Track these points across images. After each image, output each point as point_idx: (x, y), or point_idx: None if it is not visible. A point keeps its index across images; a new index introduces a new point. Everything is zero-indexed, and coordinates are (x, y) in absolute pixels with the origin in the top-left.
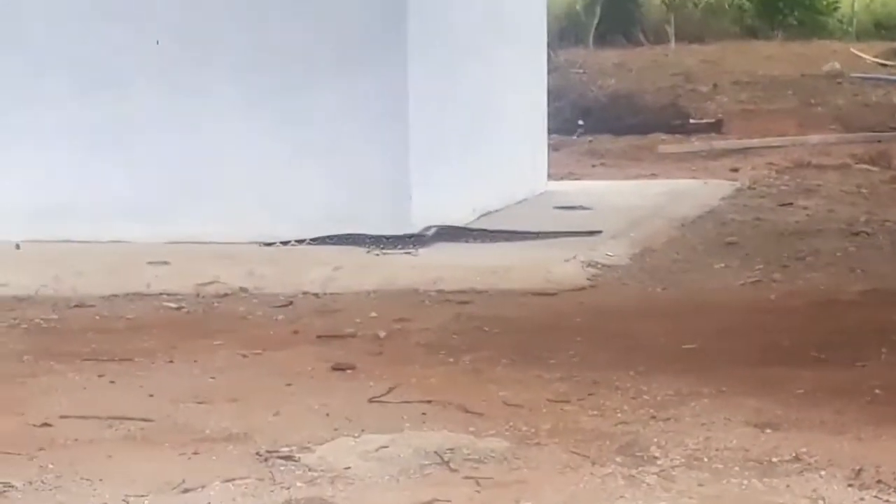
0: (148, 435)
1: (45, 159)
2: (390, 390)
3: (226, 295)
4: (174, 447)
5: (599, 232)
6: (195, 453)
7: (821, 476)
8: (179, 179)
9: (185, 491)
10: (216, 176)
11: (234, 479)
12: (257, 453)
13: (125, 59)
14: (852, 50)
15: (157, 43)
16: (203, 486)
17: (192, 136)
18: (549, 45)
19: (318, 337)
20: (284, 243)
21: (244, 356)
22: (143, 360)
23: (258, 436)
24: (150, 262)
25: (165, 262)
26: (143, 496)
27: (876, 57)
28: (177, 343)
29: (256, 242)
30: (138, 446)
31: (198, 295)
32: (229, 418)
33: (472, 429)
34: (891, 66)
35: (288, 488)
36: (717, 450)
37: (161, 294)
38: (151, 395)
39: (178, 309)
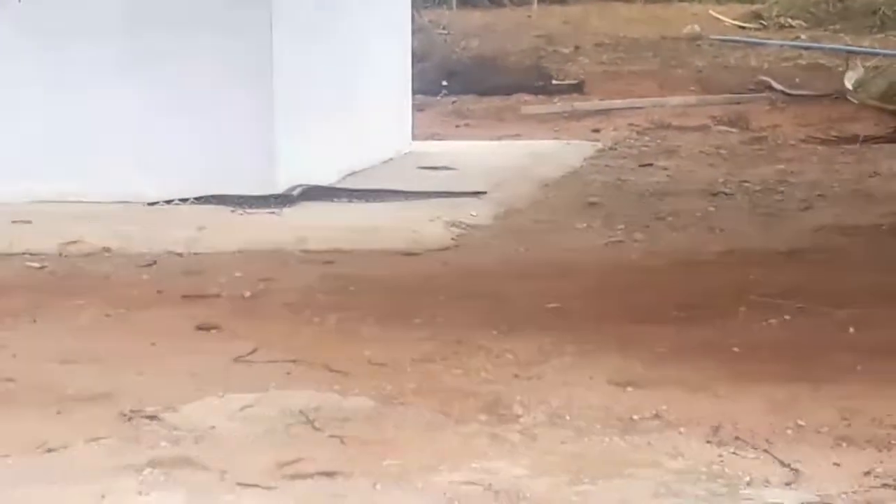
0: (11, 395)
1: None
2: (255, 350)
3: (90, 254)
4: (37, 407)
5: (484, 192)
6: (58, 413)
7: (680, 433)
8: (46, 139)
9: (49, 451)
10: (84, 136)
11: (98, 439)
12: (121, 413)
13: None
14: (711, 13)
15: (20, 1)
16: (66, 446)
17: (59, 95)
18: (412, 6)
19: (183, 297)
20: (168, 202)
21: (108, 316)
22: (7, 320)
23: (122, 396)
24: (13, 222)
25: (28, 222)
26: (5, 456)
27: (735, 20)
28: (40, 303)
29: (125, 202)
30: (1, 406)
31: (61, 254)
32: (93, 378)
33: (337, 388)
34: (749, 28)
35: (152, 448)
36: (579, 408)
37: (24, 253)
38: (14, 356)
39: (42, 269)
